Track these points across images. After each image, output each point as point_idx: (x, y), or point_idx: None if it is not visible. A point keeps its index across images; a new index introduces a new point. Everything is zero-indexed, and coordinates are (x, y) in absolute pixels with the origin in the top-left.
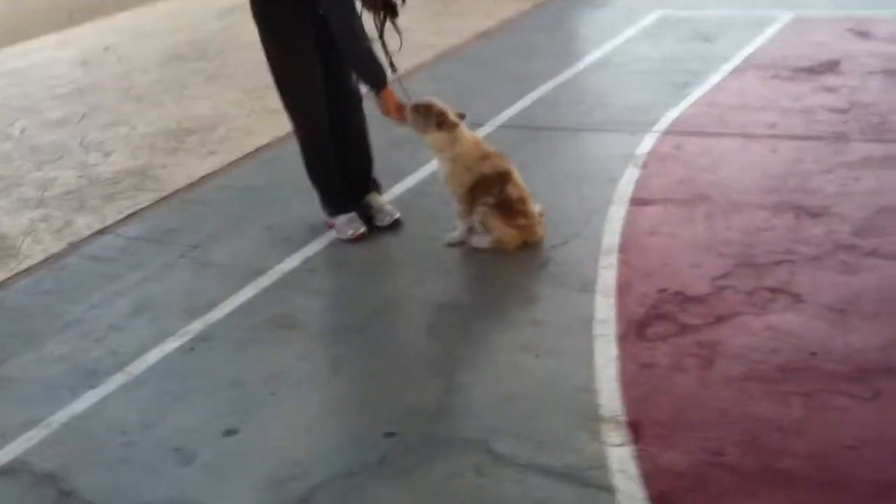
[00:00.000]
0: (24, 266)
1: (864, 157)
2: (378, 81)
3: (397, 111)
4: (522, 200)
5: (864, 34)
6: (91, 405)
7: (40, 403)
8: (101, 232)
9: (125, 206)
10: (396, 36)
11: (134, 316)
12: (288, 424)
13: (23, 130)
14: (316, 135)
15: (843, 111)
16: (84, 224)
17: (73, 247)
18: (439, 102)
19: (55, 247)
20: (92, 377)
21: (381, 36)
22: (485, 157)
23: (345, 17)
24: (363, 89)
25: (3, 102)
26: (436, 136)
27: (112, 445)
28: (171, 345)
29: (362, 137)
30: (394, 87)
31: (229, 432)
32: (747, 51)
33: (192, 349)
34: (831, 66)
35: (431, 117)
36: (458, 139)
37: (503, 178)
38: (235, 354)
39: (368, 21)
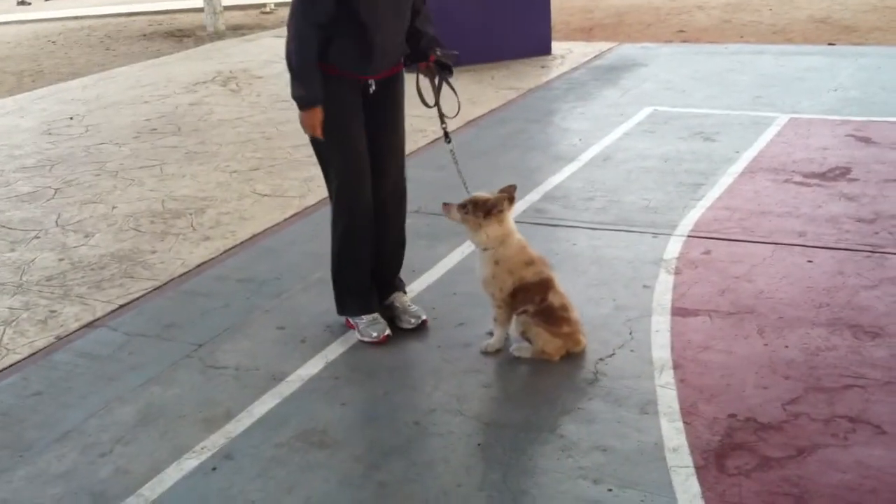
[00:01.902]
0: (7, 362)
1: None
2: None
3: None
4: (565, 307)
5: (866, 139)
6: None
7: None
8: (91, 325)
9: (116, 296)
10: (453, 99)
11: (142, 426)
12: None
13: None
14: (357, 227)
15: (870, 221)
16: (71, 315)
17: (62, 341)
18: (485, 194)
19: (41, 340)
20: (101, 501)
21: (437, 101)
22: (529, 262)
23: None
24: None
25: None
26: (487, 229)
27: None
28: (190, 463)
29: (400, 234)
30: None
31: None
32: (752, 152)
33: (214, 469)
34: (843, 173)
35: (481, 208)
36: (507, 239)
37: (545, 285)
38: (265, 477)
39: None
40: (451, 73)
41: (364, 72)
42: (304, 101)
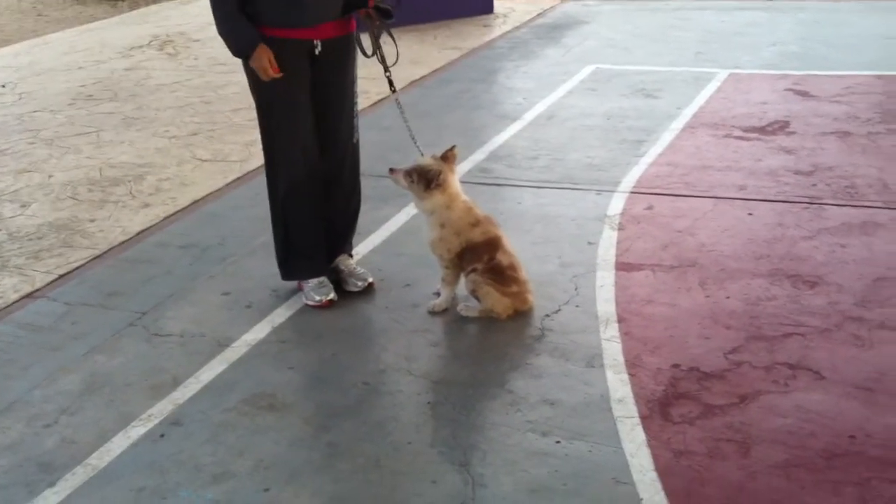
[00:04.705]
0: None
1: (843, 222)
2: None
3: None
4: (513, 267)
5: (804, 93)
6: None
7: None
8: (31, 295)
9: (55, 266)
10: (392, 48)
11: (87, 396)
12: None
13: None
14: (300, 190)
15: (808, 174)
16: (10, 286)
17: (1, 313)
18: (430, 161)
19: None
20: (49, 471)
21: (375, 48)
22: (475, 223)
23: None
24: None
25: None
26: (431, 199)
27: None
28: (137, 431)
29: (350, 195)
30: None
31: None
32: (692, 108)
33: (162, 436)
34: (782, 127)
35: (424, 179)
36: (452, 203)
37: (493, 244)
38: (215, 442)
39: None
40: (391, 18)
41: (301, 24)
42: (242, 49)
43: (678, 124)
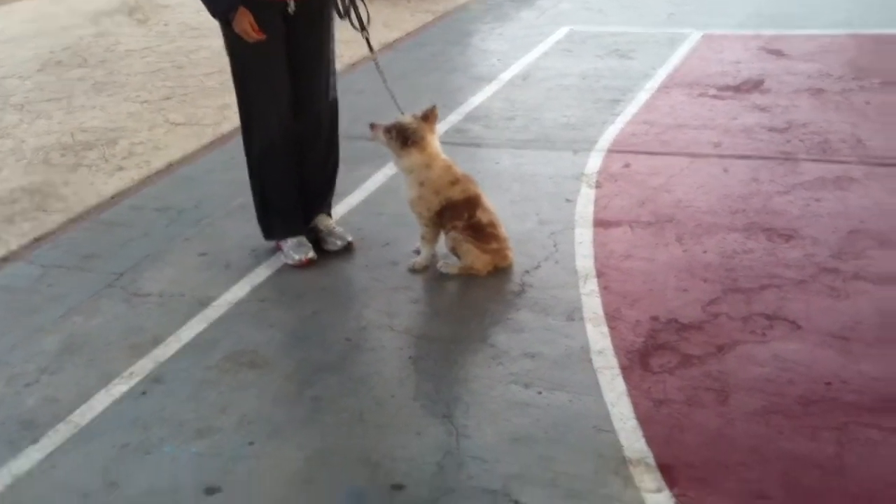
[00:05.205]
0: None
1: (817, 177)
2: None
3: None
4: (493, 224)
5: (777, 52)
6: (38, 462)
7: None
8: (6, 259)
9: (30, 229)
10: (363, 11)
11: (67, 355)
12: (278, 478)
13: None
14: (275, 149)
15: (783, 130)
16: None
17: None
18: (410, 119)
19: None
20: (31, 429)
21: (348, 10)
22: (454, 181)
23: None
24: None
25: None
26: (409, 157)
27: None
28: (119, 388)
29: (328, 153)
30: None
31: (211, 490)
32: (667, 68)
33: (144, 393)
34: (756, 85)
35: (403, 136)
36: (431, 163)
37: (472, 202)
38: (197, 399)
39: None
40: None
41: None
42: (222, 12)
43: (653, 84)
